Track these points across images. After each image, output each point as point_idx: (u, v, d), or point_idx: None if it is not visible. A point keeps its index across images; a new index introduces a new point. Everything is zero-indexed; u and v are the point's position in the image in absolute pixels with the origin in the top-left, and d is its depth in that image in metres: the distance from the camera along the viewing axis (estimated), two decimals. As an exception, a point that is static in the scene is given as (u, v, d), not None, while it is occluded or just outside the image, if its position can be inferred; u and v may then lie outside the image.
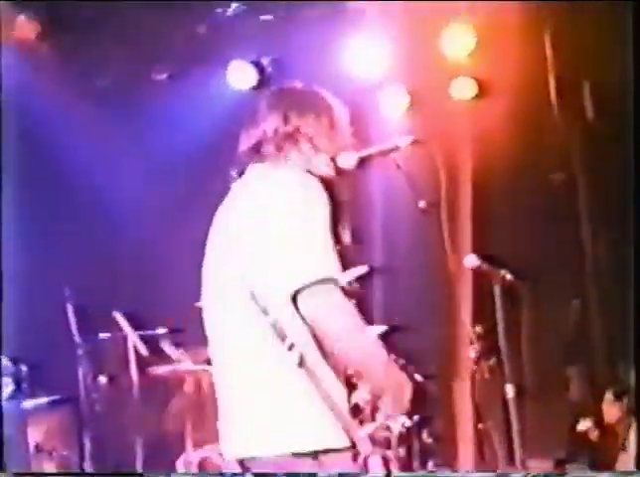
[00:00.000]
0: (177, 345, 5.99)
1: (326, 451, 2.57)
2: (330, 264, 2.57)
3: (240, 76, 7.12)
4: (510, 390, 3.50)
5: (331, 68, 6.74)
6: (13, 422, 5.76)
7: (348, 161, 2.92)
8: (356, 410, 4.70)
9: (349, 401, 2.70)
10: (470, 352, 5.29)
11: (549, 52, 6.53)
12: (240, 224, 2.67)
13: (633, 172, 4.69)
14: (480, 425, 5.91)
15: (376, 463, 4.93)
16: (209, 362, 2.88)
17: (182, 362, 5.86)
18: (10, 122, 6.23)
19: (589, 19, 6.14)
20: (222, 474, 2.71)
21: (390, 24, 6.71)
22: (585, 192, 6.61)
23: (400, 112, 7.13)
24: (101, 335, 6.37)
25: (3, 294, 5.83)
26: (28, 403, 6.07)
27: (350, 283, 5.37)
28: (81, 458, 6.14)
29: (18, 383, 6.06)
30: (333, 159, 2.86)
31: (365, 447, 2.61)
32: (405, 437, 5.25)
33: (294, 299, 2.53)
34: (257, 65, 7.12)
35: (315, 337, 2.57)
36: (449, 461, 6.17)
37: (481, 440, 5.98)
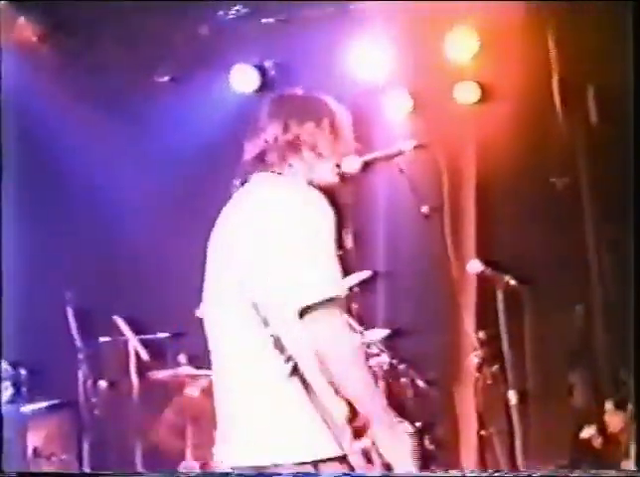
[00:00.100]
0: (178, 349, 5.98)
1: (324, 461, 2.53)
2: (335, 282, 2.53)
3: (243, 79, 7.09)
4: (513, 396, 3.48)
5: (334, 71, 6.72)
6: (12, 427, 5.74)
7: (351, 165, 2.90)
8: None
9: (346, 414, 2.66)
10: (473, 358, 5.26)
11: (552, 55, 6.50)
12: (243, 232, 2.64)
13: (632, 175, 4.66)
14: (483, 432, 5.86)
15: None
16: (209, 367, 2.85)
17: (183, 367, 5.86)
18: (10, 123, 6.22)
19: (590, 19, 6.10)
20: (225, 474, 2.68)
21: (393, 27, 6.69)
22: (589, 196, 6.57)
23: (403, 116, 7.10)
24: (102, 339, 6.36)
25: (3, 297, 5.81)
26: (27, 408, 6.05)
27: (351, 288, 5.36)
28: (81, 463, 6.11)
29: (17, 387, 6.04)
30: (337, 164, 2.83)
31: (358, 462, 2.57)
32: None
33: (300, 315, 2.49)
34: (260, 68, 7.10)
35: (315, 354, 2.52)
36: (451, 468, 6.13)
37: (484, 447, 5.93)
